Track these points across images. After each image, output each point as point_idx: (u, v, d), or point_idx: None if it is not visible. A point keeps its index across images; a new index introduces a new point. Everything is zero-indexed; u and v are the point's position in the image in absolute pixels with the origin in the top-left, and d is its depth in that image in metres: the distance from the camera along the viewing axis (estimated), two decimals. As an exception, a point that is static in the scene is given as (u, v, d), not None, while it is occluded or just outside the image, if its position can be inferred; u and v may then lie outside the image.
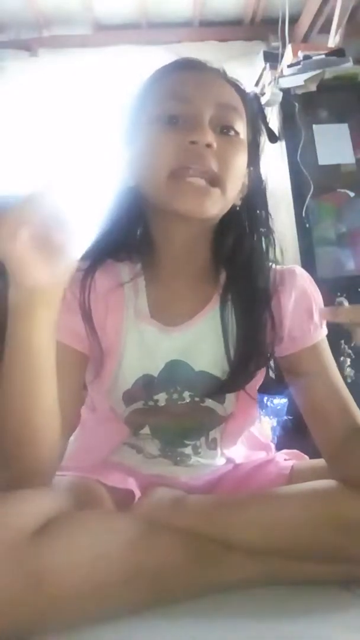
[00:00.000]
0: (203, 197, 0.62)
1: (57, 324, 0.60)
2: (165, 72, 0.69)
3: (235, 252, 0.72)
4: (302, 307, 0.73)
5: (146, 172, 0.65)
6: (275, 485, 0.69)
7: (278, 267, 0.75)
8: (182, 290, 0.72)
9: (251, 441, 0.85)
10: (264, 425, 1.61)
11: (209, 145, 0.61)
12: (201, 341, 0.71)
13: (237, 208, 0.71)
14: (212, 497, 0.68)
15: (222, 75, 0.69)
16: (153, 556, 0.54)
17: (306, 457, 0.84)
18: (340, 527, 0.57)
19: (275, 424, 1.65)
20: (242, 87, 0.71)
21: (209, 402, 0.73)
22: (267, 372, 0.78)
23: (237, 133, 0.66)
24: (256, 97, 2.18)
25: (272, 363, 0.79)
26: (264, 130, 0.73)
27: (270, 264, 0.74)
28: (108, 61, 2.90)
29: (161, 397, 0.71)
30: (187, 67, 0.68)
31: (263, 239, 0.73)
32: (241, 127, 0.66)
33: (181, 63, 0.69)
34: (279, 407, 1.67)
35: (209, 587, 0.59)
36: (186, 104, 0.63)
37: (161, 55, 2.98)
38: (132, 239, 0.72)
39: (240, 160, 0.66)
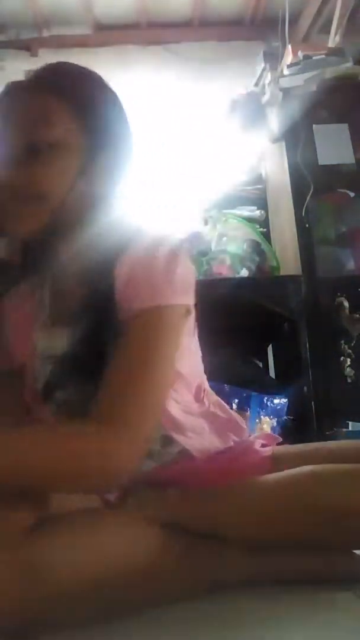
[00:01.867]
0: (17, 222, 0.67)
1: None
2: None
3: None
4: (130, 282, 0.67)
5: None
6: (259, 471, 0.70)
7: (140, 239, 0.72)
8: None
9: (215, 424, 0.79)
10: (263, 425, 1.61)
11: (11, 183, 0.65)
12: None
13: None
14: (197, 490, 0.68)
15: (42, 86, 0.69)
16: (148, 553, 0.55)
17: (280, 439, 0.86)
18: (317, 515, 0.59)
19: (275, 424, 1.65)
20: (72, 86, 0.70)
21: None
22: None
23: (51, 142, 0.66)
24: (255, 97, 2.18)
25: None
26: (112, 127, 0.72)
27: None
28: (108, 61, 2.90)
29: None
30: (5, 97, 0.71)
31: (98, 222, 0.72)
32: (56, 132, 0.66)
33: (3, 95, 0.72)
34: (279, 407, 1.67)
35: (204, 584, 0.59)
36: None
37: (161, 55, 2.99)
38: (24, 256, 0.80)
39: (54, 167, 0.66)
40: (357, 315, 1.77)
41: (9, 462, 0.50)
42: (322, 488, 0.62)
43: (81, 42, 3.02)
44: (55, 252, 0.74)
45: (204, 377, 0.82)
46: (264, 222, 2.27)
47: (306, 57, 2.15)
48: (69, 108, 0.67)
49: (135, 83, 2.83)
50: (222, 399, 0.85)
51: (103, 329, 0.66)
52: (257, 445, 0.79)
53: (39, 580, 0.48)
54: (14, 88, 0.71)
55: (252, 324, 1.85)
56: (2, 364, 0.76)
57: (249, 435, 0.84)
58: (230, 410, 0.84)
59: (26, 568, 0.47)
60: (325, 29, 2.57)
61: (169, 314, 0.66)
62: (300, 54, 2.19)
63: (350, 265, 1.96)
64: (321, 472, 0.64)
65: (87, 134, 0.68)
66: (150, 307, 0.65)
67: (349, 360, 1.74)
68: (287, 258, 1.99)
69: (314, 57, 2.13)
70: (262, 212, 2.28)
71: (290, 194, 1.97)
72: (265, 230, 2.22)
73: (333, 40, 2.41)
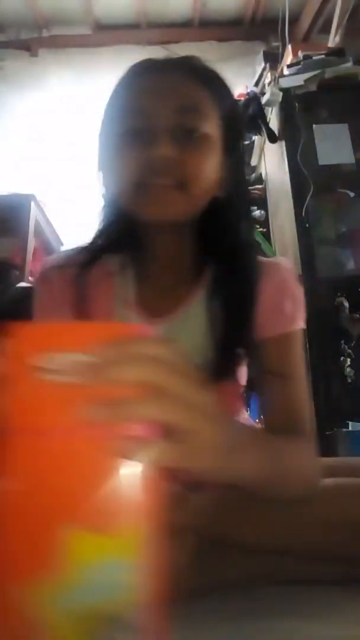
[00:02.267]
0: (163, 205, 0.64)
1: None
2: (129, 80, 0.70)
3: (221, 244, 0.72)
4: (276, 297, 0.72)
5: (117, 185, 0.68)
6: None
7: (263, 259, 0.76)
8: (168, 283, 0.73)
9: None
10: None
11: (166, 158, 0.62)
12: (184, 331, 0.71)
13: (219, 199, 0.71)
14: (212, 497, 0.68)
15: (188, 70, 0.68)
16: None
17: None
18: (339, 528, 0.57)
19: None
20: (215, 76, 0.70)
21: None
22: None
23: (202, 133, 0.65)
24: (255, 97, 2.19)
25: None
26: (242, 117, 0.73)
27: (255, 254, 0.74)
28: (108, 61, 2.90)
29: None
30: (147, 71, 0.69)
31: (247, 229, 0.74)
32: (207, 124, 0.66)
33: (143, 67, 0.69)
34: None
35: (208, 586, 0.59)
36: (145, 117, 0.64)
37: (161, 55, 2.99)
38: (121, 236, 0.73)
39: (206, 160, 0.66)
40: (357, 315, 1.77)
41: (279, 467, 0.52)
42: (349, 500, 0.60)
43: (81, 42, 3.02)
44: (172, 242, 0.72)
45: None
46: (264, 222, 2.27)
47: (306, 57, 2.15)
48: (215, 105, 0.67)
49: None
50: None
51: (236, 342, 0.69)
52: None
53: None
54: (164, 67, 0.69)
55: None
56: None
57: None
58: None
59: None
60: (325, 29, 2.57)
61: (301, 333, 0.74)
62: (300, 54, 2.20)
63: (350, 265, 1.96)
64: (345, 485, 0.63)
65: (224, 132, 0.69)
66: (294, 331, 0.72)
67: (349, 360, 1.74)
68: (287, 258, 1.99)
69: (314, 57, 2.13)
70: (262, 212, 2.28)
71: (290, 194, 1.97)
72: (265, 230, 2.22)
73: (333, 40, 2.41)
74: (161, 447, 0.34)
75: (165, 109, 0.64)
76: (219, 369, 0.69)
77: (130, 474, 0.32)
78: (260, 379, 0.73)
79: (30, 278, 1.99)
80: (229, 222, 0.72)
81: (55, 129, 2.86)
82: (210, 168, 0.67)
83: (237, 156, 0.73)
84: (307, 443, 0.64)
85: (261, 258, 0.75)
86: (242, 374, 0.76)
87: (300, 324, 0.74)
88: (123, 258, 0.74)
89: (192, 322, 0.71)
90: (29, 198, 2.12)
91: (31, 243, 2.08)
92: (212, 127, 0.67)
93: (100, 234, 0.74)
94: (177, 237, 0.72)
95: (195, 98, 0.66)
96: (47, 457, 0.32)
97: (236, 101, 0.72)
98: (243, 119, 0.76)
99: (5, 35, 3.05)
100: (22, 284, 1.86)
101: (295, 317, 0.73)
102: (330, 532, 0.57)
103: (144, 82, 0.67)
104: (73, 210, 2.55)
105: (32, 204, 2.11)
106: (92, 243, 0.74)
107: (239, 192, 0.73)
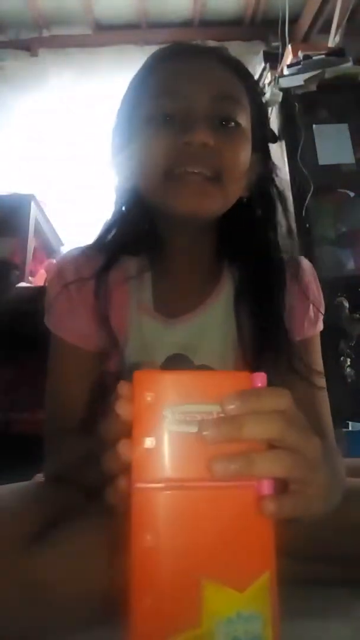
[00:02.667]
0: (200, 197, 0.60)
1: (67, 326, 0.66)
2: (158, 63, 0.65)
3: (246, 243, 0.68)
4: (301, 300, 0.70)
5: (143, 173, 0.63)
6: None
7: (285, 257, 0.72)
8: (188, 283, 0.70)
9: None
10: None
11: (205, 144, 0.58)
12: (203, 334, 0.69)
13: (245, 199, 0.68)
14: None
15: (220, 58, 0.65)
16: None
17: None
18: (343, 529, 0.56)
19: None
20: (243, 67, 0.67)
21: None
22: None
23: (237, 124, 0.62)
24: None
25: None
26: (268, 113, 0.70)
27: (281, 254, 0.71)
28: (108, 61, 2.90)
29: None
30: (180, 54, 0.65)
31: (273, 229, 0.70)
32: (242, 116, 0.62)
33: (174, 50, 0.65)
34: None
35: None
36: (180, 100, 0.60)
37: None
38: (140, 235, 0.69)
39: (242, 152, 0.62)
40: (357, 315, 1.77)
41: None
42: (346, 502, 0.59)
43: (81, 42, 3.02)
44: (193, 241, 0.69)
45: None
46: (264, 222, 2.27)
47: (306, 57, 2.15)
48: (248, 98, 0.64)
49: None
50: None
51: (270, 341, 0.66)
52: None
53: (41, 591, 0.46)
54: (197, 52, 0.65)
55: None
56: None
57: None
58: None
59: (26, 578, 0.46)
60: (325, 29, 2.57)
61: None
62: (300, 54, 2.20)
63: (350, 265, 1.96)
64: (350, 487, 0.61)
65: (254, 127, 0.66)
66: (316, 334, 0.72)
67: (349, 360, 1.74)
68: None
69: (314, 57, 2.13)
70: (262, 212, 2.28)
71: (290, 194, 1.96)
72: (265, 230, 2.22)
73: (333, 40, 2.41)
74: (289, 501, 0.35)
75: (203, 94, 0.59)
76: (245, 368, 0.68)
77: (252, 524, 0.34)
78: (284, 382, 0.71)
79: (30, 278, 1.99)
80: (256, 221, 0.69)
81: (55, 129, 2.86)
82: (244, 161, 0.63)
83: (265, 153, 0.70)
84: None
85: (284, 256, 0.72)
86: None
87: (320, 326, 0.73)
88: (140, 259, 0.70)
89: (212, 323, 0.69)
90: (29, 198, 2.12)
91: (31, 243, 2.07)
92: (246, 119, 0.63)
93: (116, 232, 0.69)
94: (199, 236, 0.69)
95: (232, 87, 0.62)
96: (187, 511, 0.33)
97: (262, 94, 0.70)
98: (268, 113, 0.71)
99: (5, 35, 3.04)
100: (22, 284, 1.86)
101: (316, 321, 0.72)
102: (330, 533, 0.56)
103: (177, 65, 0.63)
104: (73, 210, 2.55)
105: (32, 204, 2.11)
106: (109, 243, 0.69)
107: (266, 190, 0.70)
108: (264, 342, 0.66)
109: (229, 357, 0.68)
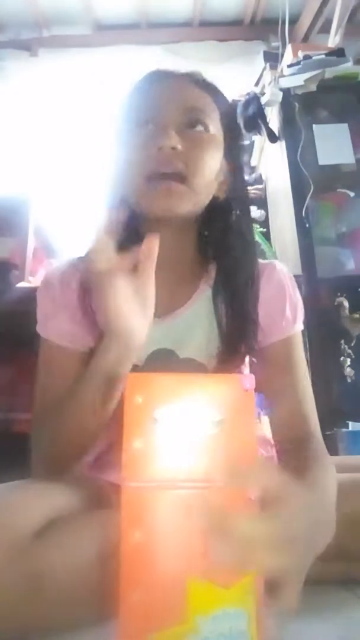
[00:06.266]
0: (169, 196, 0.66)
1: (56, 328, 0.72)
2: (141, 84, 0.76)
3: (222, 244, 0.75)
4: (277, 300, 0.77)
5: (125, 177, 0.71)
6: None
7: (260, 260, 0.79)
8: (170, 282, 0.74)
9: None
10: (264, 425, 1.61)
11: (173, 148, 0.66)
12: (187, 329, 0.74)
13: (221, 201, 0.74)
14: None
15: (192, 79, 0.74)
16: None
17: None
18: (345, 525, 0.57)
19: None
20: (214, 87, 0.76)
21: None
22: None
23: (205, 129, 0.70)
24: (255, 97, 2.18)
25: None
26: (242, 126, 0.77)
27: (256, 255, 0.78)
28: (108, 61, 2.90)
29: None
30: (159, 77, 0.75)
31: (247, 230, 0.77)
32: (210, 124, 0.71)
33: (155, 74, 0.76)
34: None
35: None
36: (155, 112, 0.70)
37: (161, 55, 2.99)
38: (124, 237, 0.74)
39: (208, 155, 0.70)
40: (357, 315, 1.77)
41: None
42: (342, 495, 0.61)
43: (81, 42, 3.02)
44: (175, 241, 0.74)
45: None
46: (264, 222, 2.27)
47: (306, 57, 2.15)
48: (216, 108, 0.73)
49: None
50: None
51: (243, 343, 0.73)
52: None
53: (42, 585, 0.47)
54: (172, 75, 0.75)
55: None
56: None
57: None
58: None
59: (31, 575, 0.47)
60: (325, 29, 2.57)
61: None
62: (300, 54, 2.20)
63: (350, 265, 1.96)
64: (343, 482, 0.63)
65: (225, 134, 0.74)
66: (296, 333, 0.77)
67: (349, 360, 1.74)
68: (287, 258, 1.99)
69: (314, 57, 2.13)
70: (262, 212, 2.28)
71: (290, 194, 1.97)
72: (265, 230, 2.22)
73: (333, 40, 2.41)
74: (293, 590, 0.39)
75: (173, 106, 0.70)
76: (223, 364, 0.73)
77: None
78: (265, 379, 0.74)
79: (30, 278, 1.98)
80: (230, 222, 0.75)
81: (55, 129, 2.86)
82: (211, 162, 0.70)
83: (236, 158, 0.77)
84: (323, 457, 0.66)
85: (259, 260, 0.79)
86: (245, 371, 0.79)
87: (300, 325, 0.78)
88: None
89: (196, 319, 0.75)
90: (29, 198, 2.12)
91: (31, 243, 2.07)
92: (213, 125, 0.72)
93: None
94: (180, 236, 0.74)
95: (200, 101, 0.72)
96: (175, 510, 0.34)
97: (234, 109, 0.79)
98: (240, 126, 0.80)
99: (5, 35, 3.04)
100: (22, 284, 1.86)
101: (295, 320, 0.77)
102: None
103: (155, 85, 0.74)
104: (73, 210, 2.55)
105: (32, 204, 2.11)
106: None
107: (239, 193, 0.77)
108: (238, 336, 0.73)
109: (212, 349, 0.73)
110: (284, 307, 0.76)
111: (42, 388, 0.73)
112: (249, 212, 0.79)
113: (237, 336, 0.72)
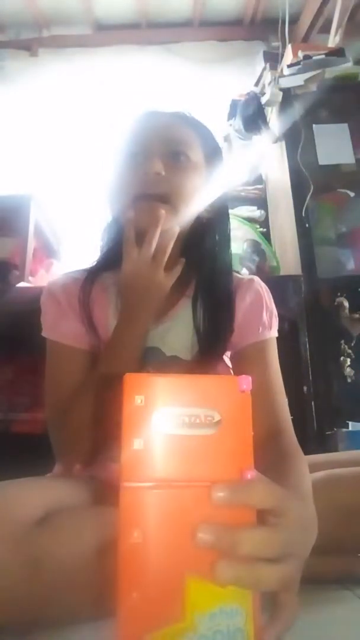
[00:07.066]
0: (154, 217, 0.74)
1: (62, 331, 0.82)
2: (135, 122, 0.86)
3: (202, 262, 0.85)
4: (255, 307, 0.86)
5: (117, 199, 0.82)
6: None
7: (240, 276, 0.91)
8: None
9: None
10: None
11: (157, 173, 0.77)
12: (172, 332, 0.84)
13: (205, 221, 0.85)
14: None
15: (179, 116, 0.87)
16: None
17: None
18: (331, 515, 0.59)
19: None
20: (197, 122, 0.88)
21: None
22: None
23: (187, 158, 0.81)
24: (256, 97, 2.19)
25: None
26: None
27: (232, 270, 0.89)
28: (108, 61, 2.90)
29: None
30: (148, 117, 0.86)
31: (225, 249, 0.87)
32: (192, 154, 0.82)
33: (146, 112, 0.88)
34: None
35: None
36: (143, 144, 0.81)
37: (161, 55, 2.99)
38: (117, 252, 0.82)
39: (189, 180, 0.80)
40: (357, 315, 1.77)
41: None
42: (336, 488, 0.64)
43: (81, 42, 3.02)
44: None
45: None
46: (264, 222, 2.27)
47: (306, 57, 2.15)
48: (199, 140, 0.84)
49: (135, 83, 2.83)
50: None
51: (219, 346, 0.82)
52: None
53: (44, 573, 0.48)
54: (161, 114, 0.87)
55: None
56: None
57: None
58: None
59: (31, 561, 0.48)
60: (325, 29, 2.57)
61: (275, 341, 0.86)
62: (300, 54, 2.20)
63: (350, 265, 1.96)
64: (336, 475, 0.66)
65: (207, 162, 0.85)
66: (271, 338, 0.86)
67: (349, 360, 1.74)
68: (287, 258, 1.99)
69: (314, 57, 2.13)
70: (262, 212, 2.28)
71: (290, 194, 1.97)
72: (265, 230, 2.22)
73: (333, 40, 2.41)
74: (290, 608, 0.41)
75: (158, 140, 0.81)
76: (203, 361, 0.82)
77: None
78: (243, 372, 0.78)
79: (30, 278, 1.99)
80: (210, 244, 0.86)
81: (56, 129, 2.86)
82: (192, 186, 0.80)
83: (218, 183, 0.86)
84: (295, 451, 0.70)
85: (237, 275, 0.90)
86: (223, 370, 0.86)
87: (275, 332, 0.87)
88: (118, 273, 0.81)
89: (180, 322, 0.84)
90: (29, 198, 2.12)
91: (31, 243, 2.07)
92: (195, 155, 0.82)
93: (101, 255, 0.89)
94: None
95: (184, 134, 0.83)
96: (173, 510, 0.34)
97: (217, 141, 0.90)
98: (221, 153, 0.93)
99: (5, 35, 3.05)
100: (22, 284, 1.86)
101: (270, 326, 0.86)
102: (321, 522, 0.58)
103: (145, 121, 0.85)
104: (73, 210, 2.55)
105: (32, 204, 2.11)
106: (93, 264, 0.88)
107: (219, 216, 0.87)
108: (212, 340, 0.82)
109: (194, 348, 0.83)
110: (261, 313, 0.86)
111: (54, 385, 0.80)
112: (228, 234, 0.89)
113: (211, 341, 0.82)
